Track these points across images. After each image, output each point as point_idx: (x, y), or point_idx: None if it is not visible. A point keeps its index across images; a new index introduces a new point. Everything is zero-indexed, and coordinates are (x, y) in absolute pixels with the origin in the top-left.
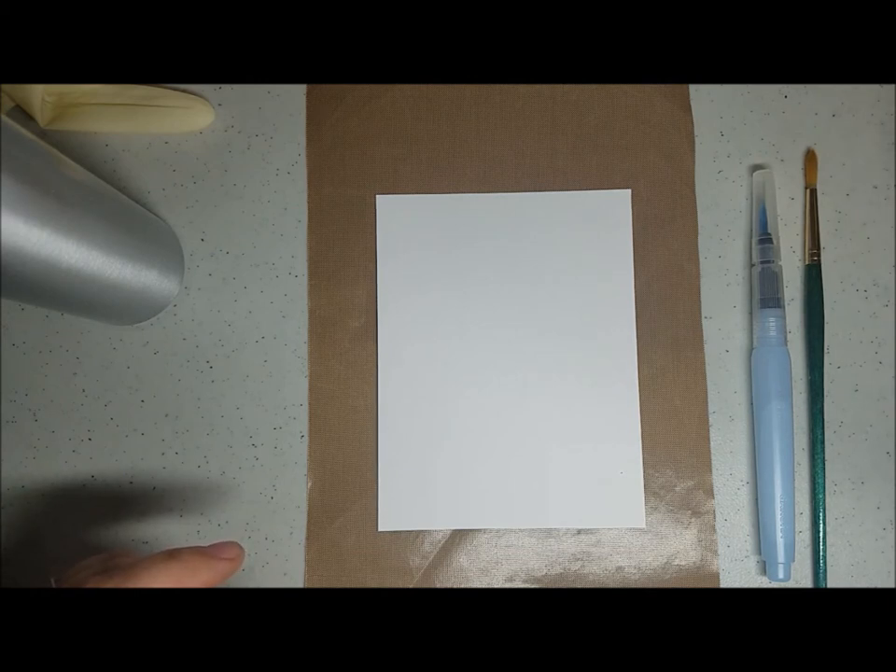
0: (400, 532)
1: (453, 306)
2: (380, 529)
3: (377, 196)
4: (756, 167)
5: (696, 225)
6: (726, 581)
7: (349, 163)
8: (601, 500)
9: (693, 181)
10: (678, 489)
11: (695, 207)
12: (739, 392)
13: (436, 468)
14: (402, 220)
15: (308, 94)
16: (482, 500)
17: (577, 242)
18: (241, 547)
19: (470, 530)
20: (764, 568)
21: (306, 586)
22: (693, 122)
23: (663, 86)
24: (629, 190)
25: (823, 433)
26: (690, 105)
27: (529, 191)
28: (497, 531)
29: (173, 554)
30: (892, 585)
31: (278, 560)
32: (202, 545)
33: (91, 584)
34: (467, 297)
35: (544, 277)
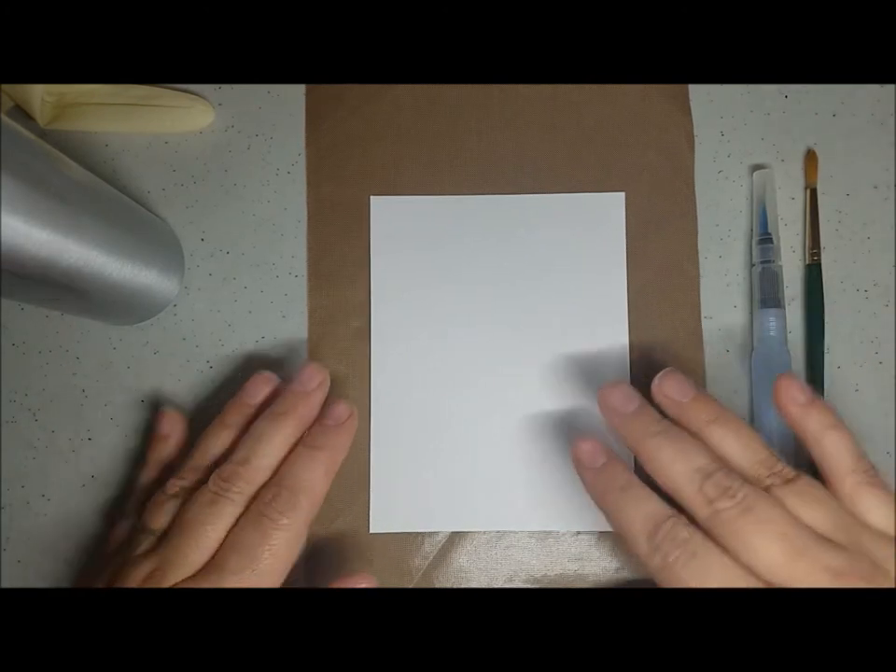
0: (400, 533)
1: (447, 308)
2: (371, 531)
3: (371, 197)
4: (756, 167)
5: (696, 225)
6: None
7: (349, 163)
8: None
9: (693, 181)
10: None
11: (695, 207)
12: (739, 392)
13: (430, 469)
14: (396, 222)
15: (308, 94)
16: (477, 502)
17: (570, 244)
18: (348, 404)
19: (469, 531)
20: None
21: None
22: (692, 122)
23: (662, 86)
24: (622, 193)
25: None
26: (689, 105)
27: (528, 193)
28: (497, 532)
29: (313, 446)
30: (893, 586)
31: None
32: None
33: (250, 516)
34: (461, 299)
35: (539, 280)
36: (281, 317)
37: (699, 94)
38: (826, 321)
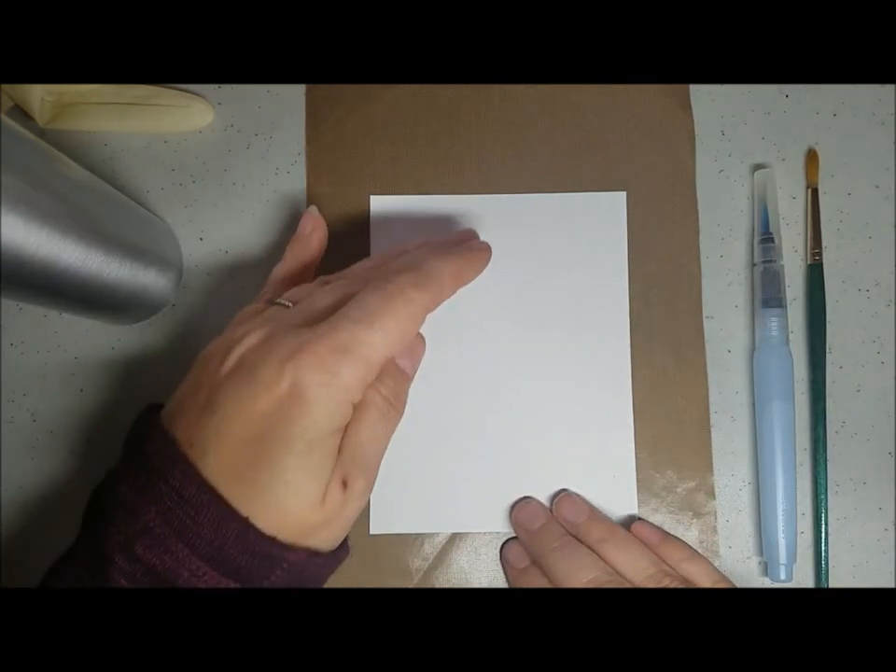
0: (400, 534)
1: (447, 309)
2: (371, 532)
3: (371, 196)
4: (757, 166)
5: (697, 224)
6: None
7: (348, 163)
8: (595, 503)
9: (694, 180)
10: (679, 490)
11: (696, 206)
12: (741, 392)
13: (430, 470)
14: (396, 221)
15: (307, 93)
16: (477, 503)
17: (572, 244)
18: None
19: (470, 532)
20: (766, 569)
21: None
22: (693, 121)
23: (663, 85)
24: (624, 193)
25: (825, 433)
26: (690, 105)
27: (529, 192)
28: (497, 532)
29: (449, 251)
30: (894, 586)
31: None
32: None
33: (370, 283)
34: (461, 299)
35: (540, 280)
36: None
37: (700, 94)
38: (828, 321)
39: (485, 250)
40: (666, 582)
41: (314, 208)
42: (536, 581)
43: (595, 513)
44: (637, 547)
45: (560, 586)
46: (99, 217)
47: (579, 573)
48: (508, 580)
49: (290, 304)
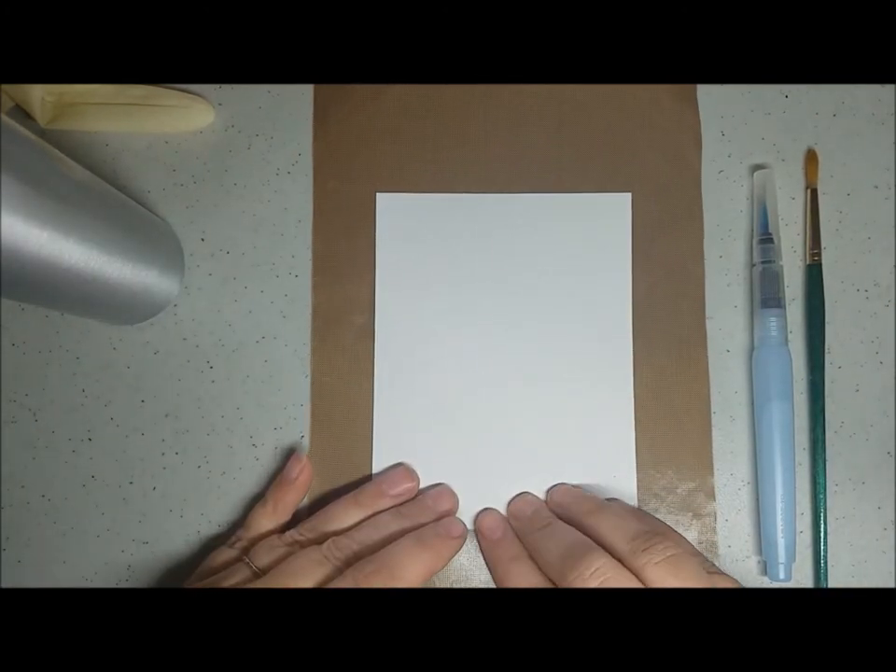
0: None
1: (452, 305)
2: None
3: (377, 194)
4: (757, 167)
5: (702, 226)
6: None
7: (355, 160)
8: None
9: (700, 182)
10: (679, 491)
11: (702, 208)
12: (740, 392)
13: (433, 467)
14: (402, 218)
15: (315, 90)
16: (474, 501)
17: (576, 244)
18: (464, 524)
19: (470, 530)
20: (765, 569)
21: None
22: (700, 123)
23: (671, 86)
24: (629, 194)
25: (824, 433)
26: (697, 106)
27: (534, 192)
28: None
29: (423, 543)
30: (893, 585)
31: None
32: (432, 523)
33: (345, 580)
34: (466, 296)
35: (542, 279)
36: (281, 317)
37: (700, 94)
38: (826, 321)
39: (459, 536)
40: (656, 541)
41: (302, 454)
42: (508, 551)
43: (586, 494)
44: (629, 513)
45: (540, 564)
46: (100, 218)
47: (556, 549)
48: (481, 550)
49: (259, 570)
